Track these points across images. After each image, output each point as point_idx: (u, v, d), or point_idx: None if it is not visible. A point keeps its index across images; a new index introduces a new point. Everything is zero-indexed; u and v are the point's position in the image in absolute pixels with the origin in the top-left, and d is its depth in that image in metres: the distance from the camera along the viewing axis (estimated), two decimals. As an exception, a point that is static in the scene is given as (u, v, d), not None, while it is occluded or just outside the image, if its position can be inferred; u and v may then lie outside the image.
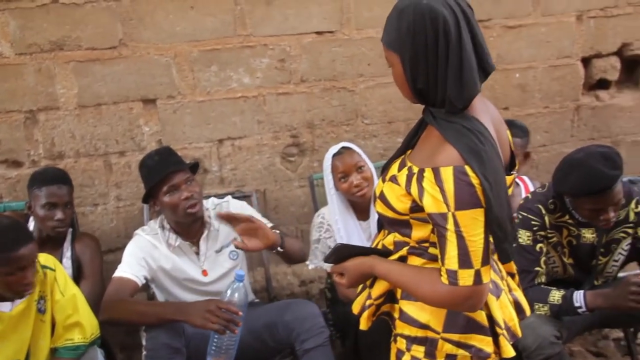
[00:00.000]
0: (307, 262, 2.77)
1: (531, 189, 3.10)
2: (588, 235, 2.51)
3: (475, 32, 1.43)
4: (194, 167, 2.68)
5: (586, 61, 3.84)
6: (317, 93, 3.40)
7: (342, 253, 1.69)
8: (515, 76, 3.68)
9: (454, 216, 1.38)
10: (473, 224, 1.39)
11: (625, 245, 2.55)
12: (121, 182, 3.25)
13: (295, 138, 3.43)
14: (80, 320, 2.29)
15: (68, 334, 2.27)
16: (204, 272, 2.63)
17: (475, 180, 1.36)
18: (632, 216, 2.51)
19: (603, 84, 3.94)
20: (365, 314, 1.70)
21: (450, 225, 1.39)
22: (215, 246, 2.66)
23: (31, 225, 2.70)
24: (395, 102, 3.52)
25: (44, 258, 2.29)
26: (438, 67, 1.40)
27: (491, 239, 1.45)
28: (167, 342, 2.31)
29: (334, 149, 2.69)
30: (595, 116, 3.92)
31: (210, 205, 2.72)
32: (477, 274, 1.41)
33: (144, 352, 2.34)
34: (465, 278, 1.41)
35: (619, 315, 2.45)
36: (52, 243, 2.67)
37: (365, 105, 3.49)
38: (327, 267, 2.68)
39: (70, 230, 2.74)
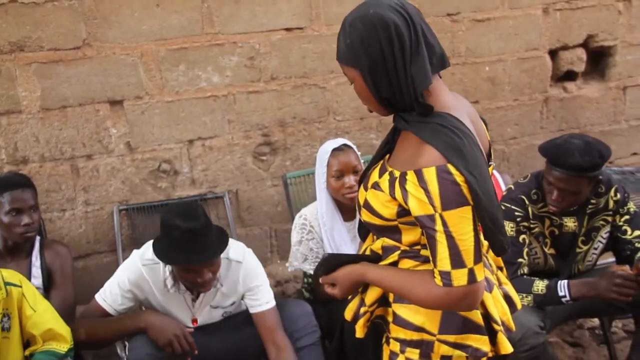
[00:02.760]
0: (287, 264, 2.73)
1: (500, 181, 3.11)
2: (570, 223, 2.53)
3: (427, 32, 1.41)
4: (225, 236, 2.37)
5: (553, 53, 3.89)
6: (287, 91, 3.36)
7: (331, 263, 1.66)
8: (485, 69, 3.69)
9: (441, 217, 1.36)
10: (461, 222, 1.36)
11: (604, 233, 2.58)
12: (89, 187, 3.16)
13: (267, 137, 3.39)
14: (59, 332, 2.23)
15: (47, 344, 2.21)
16: (194, 321, 2.48)
17: (459, 178, 1.34)
18: (611, 204, 2.54)
19: (570, 76, 3.99)
20: (361, 322, 1.67)
21: (438, 227, 1.37)
22: (212, 301, 2.45)
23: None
24: (367, 98, 3.49)
25: (8, 274, 2.20)
26: (398, 72, 1.38)
27: (482, 235, 1.43)
28: (150, 352, 2.24)
29: (334, 143, 2.62)
30: (564, 107, 3.96)
31: (223, 255, 2.36)
32: (471, 273, 1.39)
33: None
34: (459, 278, 1.39)
35: (600, 304, 2.47)
36: (19, 252, 2.56)
37: (336, 101, 3.46)
38: (307, 268, 2.64)
39: (39, 238, 2.63)
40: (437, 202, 1.35)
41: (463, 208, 1.35)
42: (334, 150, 2.58)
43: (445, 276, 1.39)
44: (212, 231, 2.27)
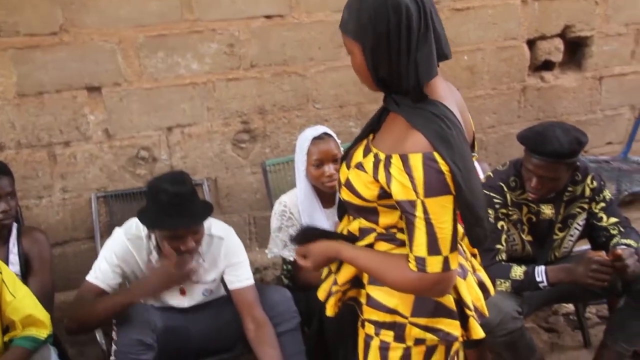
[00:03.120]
0: (267, 251, 2.73)
1: (479, 170, 3.14)
2: (547, 211, 2.56)
3: (435, 21, 1.41)
4: (210, 205, 2.42)
5: (531, 43, 3.91)
6: (267, 78, 3.35)
7: (308, 234, 1.67)
8: (464, 58, 3.71)
9: (423, 203, 1.37)
10: (442, 211, 1.38)
11: (580, 220, 2.62)
12: (66, 173, 3.13)
13: (246, 124, 3.38)
14: (39, 318, 2.23)
15: (26, 330, 2.21)
16: (182, 291, 2.50)
17: (444, 167, 1.35)
18: (587, 192, 2.58)
19: (548, 66, 4.03)
20: (332, 300, 1.68)
21: (419, 213, 1.38)
22: (194, 276, 2.44)
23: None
24: (347, 85, 3.50)
25: None
26: (400, 57, 1.37)
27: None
28: (139, 337, 2.25)
29: (314, 131, 2.61)
30: (541, 97, 4.00)
31: (205, 231, 2.43)
32: (446, 261, 1.41)
33: (114, 347, 2.27)
34: (434, 265, 1.41)
35: (576, 290, 2.52)
36: (-4, 239, 2.55)
37: (316, 89, 3.46)
38: (287, 255, 2.65)
39: (16, 225, 2.62)
40: (420, 189, 1.36)
41: (445, 197, 1.37)
42: (315, 138, 2.58)
43: (420, 262, 1.41)
44: (197, 198, 2.34)
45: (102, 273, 2.37)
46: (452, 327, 1.54)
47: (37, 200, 3.13)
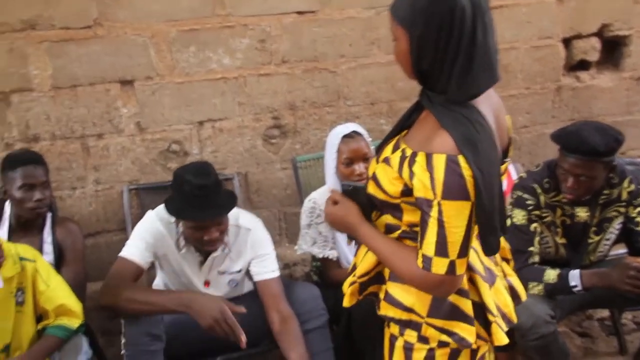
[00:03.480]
0: (296, 247, 2.73)
1: (512, 172, 3.10)
2: (582, 214, 2.51)
3: (492, 27, 1.37)
4: (234, 196, 2.43)
5: (567, 42, 3.84)
6: (298, 74, 3.34)
7: (356, 191, 1.64)
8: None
9: (439, 205, 1.35)
10: (457, 215, 1.36)
11: (616, 224, 2.56)
12: (99, 165, 3.16)
13: (277, 120, 3.38)
14: (71, 307, 2.26)
15: (59, 319, 2.24)
16: (206, 283, 2.52)
17: (466, 172, 1.32)
18: (624, 195, 2.53)
19: (583, 65, 3.95)
20: (349, 291, 1.67)
21: (433, 213, 1.36)
22: (220, 266, 2.51)
23: (7, 211, 2.60)
24: (378, 83, 3.48)
25: (22, 249, 2.23)
26: (447, 55, 1.35)
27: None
28: (147, 329, 2.26)
29: (344, 129, 2.60)
30: (576, 97, 3.93)
31: (232, 221, 2.47)
32: (452, 265, 1.39)
33: (123, 340, 2.28)
34: (439, 266, 1.39)
35: (611, 295, 2.46)
36: (32, 229, 2.59)
37: (347, 86, 3.44)
38: (316, 252, 2.64)
39: (50, 215, 2.65)
40: (439, 190, 1.34)
41: (462, 202, 1.35)
42: (345, 136, 2.57)
43: (427, 260, 1.40)
44: (222, 190, 2.35)
45: (137, 249, 2.39)
46: (467, 332, 1.50)
47: (70, 191, 3.16)
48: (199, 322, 2.15)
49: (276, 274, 2.51)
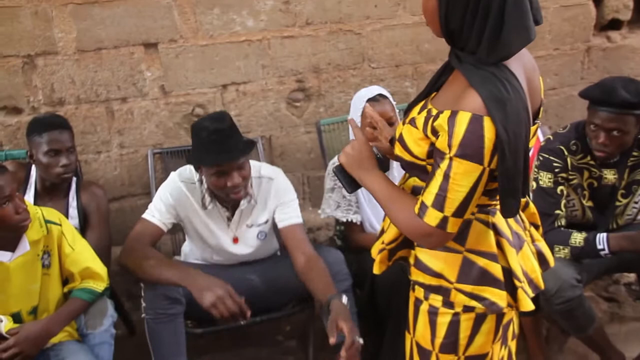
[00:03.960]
0: (319, 211, 2.73)
1: (539, 134, 3.04)
2: (609, 176, 2.48)
3: None
4: (252, 142, 2.42)
5: (598, 0, 3.74)
6: (322, 36, 3.30)
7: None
8: (526, 17, 3.57)
9: (450, 159, 1.34)
10: (464, 175, 1.34)
11: (645, 186, 2.52)
12: (124, 129, 3.18)
13: (301, 83, 3.35)
14: (96, 271, 2.29)
15: (84, 282, 2.27)
16: (235, 240, 2.54)
17: (488, 135, 1.30)
18: None
19: (615, 24, 3.85)
20: (378, 258, 1.68)
21: (443, 165, 1.35)
22: (247, 220, 2.53)
23: (33, 175, 2.63)
24: (403, 45, 3.43)
25: (47, 212, 2.24)
26: (477, 14, 1.31)
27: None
28: (165, 292, 2.28)
29: (369, 92, 2.57)
30: (607, 58, 3.84)
31: (254, 173, 2.50)
32: (444, 220, 1.39)
33: (143, 304, 2.31)
34: (431, 217, 1.39)
35: (639, 259, 2.43)
36: (57, 192, 2.60)
37: (372, 48, 3.40)
38: (340, 216, 2.64)
39: (75, 179, 2.66)
40: (454, 146, 1.32)
41: (474, 164, 1.33)
42: (369, 100, 2.54)
43: (423, 208, 1.41)
44: (239, 135, 2.36)
45: (158, 212, 2.42)
46: (498, 297, 1.49)
47: (95, 155, 3.18)
48: (200, 300, 2.13)
49: (300, 220, 2.53)
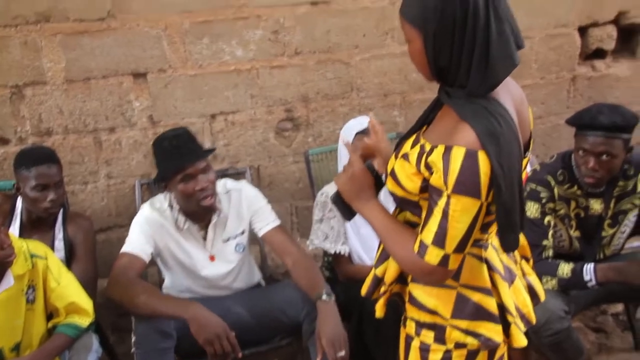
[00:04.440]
0: (307, 242, 2.72)
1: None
2: (596, 206, 2.49)
3: (506, 13, 1.35)
4: (210, 151, 2.55)
5: (582, 30, 3.79)
6: (311, 66, 3.32)
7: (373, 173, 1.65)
8: (512, 47, 3.60)
9: (448, 197, 1.34)
10: (463, 211, 1.34)
11: (632, 216, 2.55)
12: (111, 160, 3.16)
13: (290, 112, 3.36)
14: (82, 305, 2.27)
15: (69, 318, 2.25)
16: (212, 258, 2.57)
17: (484, 169, 1.30)
18: (639, 187, 2.50)
19: (599, 54, 3.90)
20: (381, 301, 1.67)
21: (441, 203, 1.36)
22: (223, 235, 2.58)
23: (19, 206, 2.60)
24: (391, 74, 3.45)
25: (33, 245, 2.22)
26: (463, 49, 1.33)
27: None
28: (157, 326, 2.26)
29: (358, 125, 2.58)
30: (592, 87, 3.88)
31: (222, 190, 2.59)
32: (445, 258, 1.39)
33: (134, 338, 2.28)
34: (432, 256, 1.39)
35: (627, 290, 2.44)
36: (43, 225, 2.58)
37: (360, 78, 3.42)
38: (328, 247, 2.64)
39: (62, 210, 2.64)
40: (451, 182, 1.33)
41: (472, 199, 1.33)
42: (359, 133, 2.55)
43: (422, 247, 1.40)
44: (197, 141, 2.46)
45: (137, 242, 2.44)
46: (494, 332, 1.50)
47: (82, 185, 3.16)
48: (198, 334, 2.15)
49: (277, 222, 2.61)
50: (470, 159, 1.31)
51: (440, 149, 1.36)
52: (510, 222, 1.39)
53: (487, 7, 1.31)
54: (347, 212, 1.67)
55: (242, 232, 2.61)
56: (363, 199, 1.60)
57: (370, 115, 1.73)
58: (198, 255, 2.55)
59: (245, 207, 2.59)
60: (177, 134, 2.44)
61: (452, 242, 1.37)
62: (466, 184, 1.32)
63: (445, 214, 1.35)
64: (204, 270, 2.56)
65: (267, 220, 2.60)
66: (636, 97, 3.96)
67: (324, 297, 2.29)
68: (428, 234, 1.39)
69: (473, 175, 1.31)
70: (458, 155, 1.32)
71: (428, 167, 1.39)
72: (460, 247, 1.38)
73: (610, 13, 3.78)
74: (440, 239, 1.37)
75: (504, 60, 1.34)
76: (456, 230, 1.36)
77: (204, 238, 2.55)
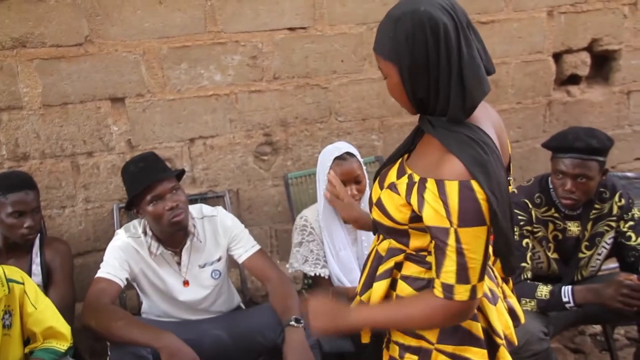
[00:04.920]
0: (287, 266, 2.71)
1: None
2: (573, 228, 2.52)
3: (474, 36, 1.37)
4: (180, 174, 2.55)
5: (557, 57, 3.86)
6: (290, 90, 3.34)
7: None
8: (489, 72, 3.66)
9: (456, 232, 1.34)
10: (475, 241, 1.34)
11: (608, 238, 2.57)
12: (89, 184, 3.14)
13: (269, 136, 3.37)
14: (60, 330, 2.22)
15: (47, 342, 2.21)
16: (186, 283, 2.54)
17: (481, 196, 1.31)
18: (615, 210, 2.53)
19: (574, 79, 3.97)
20: (367, 328, 1.66)
21: (451, 241, 1.35)
22: (199, 260, 2.55)
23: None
24: (369, 99, 3.48)
25: (9, 271, 2.19)
26: (440, 76, 1.34)
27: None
28: (133, 351, 2.23)
29: (335, 150, 2.58)
30: (567, 112, 3.94)
31: (197, 215, 2.60)
32: (473, 290, 1.38)
33: None
34: (462, 293, 1.38)
35: (604, 311, 2.45)
36: (20, 250, 2.55)
37: (338, 102, 3.44)
38: (307, 270, 2.63)
39: (39, 235, 2.61)
40: (455, 218, 1.33)
41: (479, 228, 1.34)
42: (337, 158, 2.56)
43: (448, 289, 1.38)
44: (164, 162, 2.50)
45: (112, 268, 2.42)
46: (479, 356, 1.49)
47: (60, 210, 3.14)
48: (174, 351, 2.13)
49: (256, 247, 2.61)
50: (465, 189, 1.32)
51: (432, 186, 1.36)
52: (508, 247, 1.41)
53: (457, 32, 1.33)
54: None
55: (219, 259, 2.59)
56: (342, 319, 1.55)
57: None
58: (172, 280, 2.53)
59: (222, 233, 2.59)
60: (142, 157, 2.47)
61: (474, 274, 1.37)
62: (470, 214, 1.32)
63: (459, 251, 1.35)
64: (180, 295, 2.54)
65: (245, 247, 2.60)
66: (609, 122, 4.04)
67: (292, 322, 2.29)
68: (449, 275, 1.37)
69: (474, 204, 1.32)
70: (452, 190, 1.33)
71: (420, 202, 1.39)
72: (482, 275, 1.39)
73: (583, 40, 3.86)
74: (463, 276, 1.36)
75: (479, 83, 1.36)
76: (474, 261, 1.36)
77: (178, 263, 2.54)
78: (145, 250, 2.48)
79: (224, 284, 2.66)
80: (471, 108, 1.37)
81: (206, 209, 2.65)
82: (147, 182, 2.35)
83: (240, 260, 2.59)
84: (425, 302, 1.43)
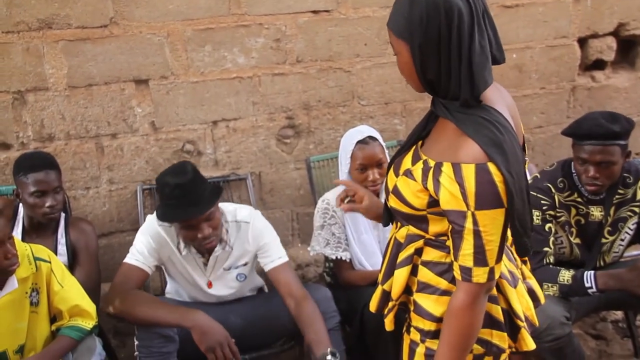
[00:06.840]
0: (309, 248, 2.72)
1: (526, 172, 3.07)
2: (596, 213, 2.50)
3: (488, 24, 1.36)
4: (218, 190, 2.41)
5: (582, 41, 3.82)
6: (313, 74, 3.33)
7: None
8: (512, 56, 3.63)
9: (473, 215, 1.34)
10: (492, 223, 1.35)
11: (631, 224, 2.55)
12: (113, 165, 3.17)
13: (291, 119, 3.37)
14: (85, 308, 2.26)
15: (73, 320, 2.25)
16: (209, 284, 2.54)
17: (498, 178, 1.31)
18: (639, 195, 2.51)
19: (599, 65, 3.92)
20: (390, 316, 1.66)
21: (468, 224, 1.35)
22: (225, 263, 2.53)
23: (21, 212, 2.61)
24: (392, 83, 3.47)
25: (36, 249, 2.23)
26: (450, 60, 1.34)
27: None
28: (159, 330, 2.26)
29: (358, 134, 2.59)
30: (591, 97, 3.90)
31: (230, 218, 2.52)
32: (491, 271, 1.39)
33: (137, 342, 2.29)
34: (480, 275, 1.39)
35: (627, 297, 2.43)
36: (45, 230, 2.58)
37: (361, 86, 3.43)
38: (329, 253, 2.64)
39: (64, 215, 2.65)
40: (472, 201, 1.33)
41: (497, 210, 1.34)
42: (359, 142, 2.56)
43: (466, 271, 1.39)
44: (203, 186, 2.34)
45: (141, 255, 2.41)
46: (500, 339, 1.50)
47: (84, 191, 3.17)
48: (200, 342, 2.16)
49: (283, 259, 2.52)
50: (482, 172, 1.32)
51: (448, 169, 1.36)
52: (524, 227, 1.40)
53: (472, 18, 1.32)
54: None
55: (245, 264, 2.57)
56: None
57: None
58: (197, 278, 2.53)
59: (252, 241, 2.53)
60: (179, 183, 2.27)
61: (492, 256, 1.38)
62: (487, 197, 1.33)
63: (477, 233, 1.35)
64: (204, 290, 2.55)
65: (272, 257, 2.51)
66: (635, 107, 3.99)
67: (329, 357, 2.18)
68: (467, 258, 1.38)
69: (491, 187, 1.32)
70: (469, 173, 1.33)
71: (436, 186, 1.39)
72: (500, 257, 1.39)
73: (610, 25, 3.81)
74: (481, 258, 1.37)
75: (483, 73, 1.35)
76: (492, 244, 1.36)
77: (205, 264, 2.51)
78: (174, 239, 2.46)
79: (248, 280, 2.64)
80: (477, 94, 1.37)
81: (241, 213, 2.56)
82: (182, 218, 2.30)
83: (265, 269, 2.53)
84: (450, 312, 1.44)
